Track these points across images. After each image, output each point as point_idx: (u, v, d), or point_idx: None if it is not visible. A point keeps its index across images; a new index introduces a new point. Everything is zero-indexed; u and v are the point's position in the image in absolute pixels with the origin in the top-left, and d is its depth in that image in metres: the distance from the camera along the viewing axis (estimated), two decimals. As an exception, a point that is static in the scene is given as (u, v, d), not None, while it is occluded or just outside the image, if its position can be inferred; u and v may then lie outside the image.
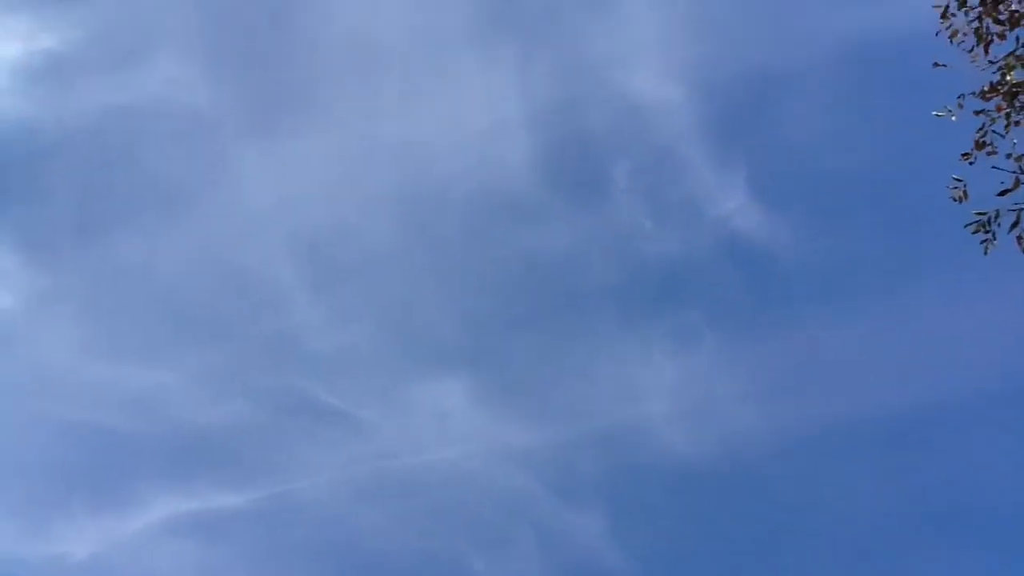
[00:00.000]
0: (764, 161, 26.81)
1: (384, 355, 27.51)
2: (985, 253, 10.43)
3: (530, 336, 27.93)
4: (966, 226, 10.47)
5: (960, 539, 24.34)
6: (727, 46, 26.42)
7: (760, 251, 26.76)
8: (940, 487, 24.43)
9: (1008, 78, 10.50)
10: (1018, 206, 10.29)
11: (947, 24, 10.81)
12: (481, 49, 27.33)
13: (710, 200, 26.79)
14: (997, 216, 10.34)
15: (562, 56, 27.09)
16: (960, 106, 10.70)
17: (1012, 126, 10.44)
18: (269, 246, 27.56)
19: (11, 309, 26.36)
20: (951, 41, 10.81)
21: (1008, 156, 10.45)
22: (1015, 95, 10.43)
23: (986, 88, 10.59)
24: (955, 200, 10.55)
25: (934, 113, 10.88)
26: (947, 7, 10.72)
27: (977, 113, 10.64)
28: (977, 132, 10.62)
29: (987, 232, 10.35)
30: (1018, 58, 10.51)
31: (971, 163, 10.60)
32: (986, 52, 10.69)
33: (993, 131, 10.51)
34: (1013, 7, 10.53)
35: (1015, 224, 10.23)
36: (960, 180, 10.60)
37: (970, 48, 10.75)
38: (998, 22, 10.56)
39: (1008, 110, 10.43)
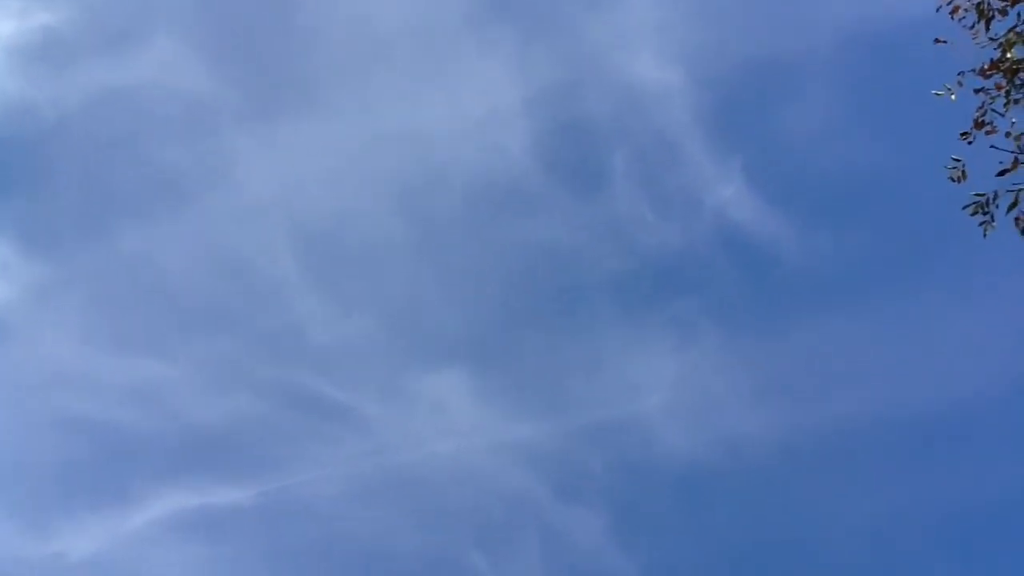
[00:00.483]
0: (766, 151, 26.51)
1: (385, 348, 27.33)
2: (984, 235, 10.12)
3: (530, 328, 27.69)
4: (964, 208, 10.18)
5: (968, 543, 23.96)
6: (728, 33, 26.12)
7: (761, 243, 26.44)
8: (946, 490, 24.02)
9: (1009, 55, 10.19)
10: (1016, 186, 9.97)
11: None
12: (480, 36, 27.10)
13: (710, 190, 26.49)
14: (996, 197, 10.03)
15: (561, 43, 26.84)
16: (960, 84, 10.40)
17: (1012, 104, 10.13)
18: (270, 237, 27.42)
19: (11, 300, 26.26)
20: (952, 17, 10.51)
21: (1007, 135, 10.14)
22: (1015, 72, 10.10)
23: (986, 66, 10.28)
24: (953, 180, 10.24)
25: (933, 92, 10.58)
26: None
27: (977, 91, 10.34)
28: (976, 111, 10.32)
29: (985, 214, 10.05)
30: (1019, 34, 10.19)
31: (970, 143, 10.30)
32: (987, 28, 10.38)
33: (992, 110, 10.21)
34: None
35: (1013, 205, 9.91)
36: (959, 160, 10.29)
37: (971, 24, 10.45)
38: (1000, -3, 10.26)
39: (1008, 88, 10.11)
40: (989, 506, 23.61)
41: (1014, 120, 10.14)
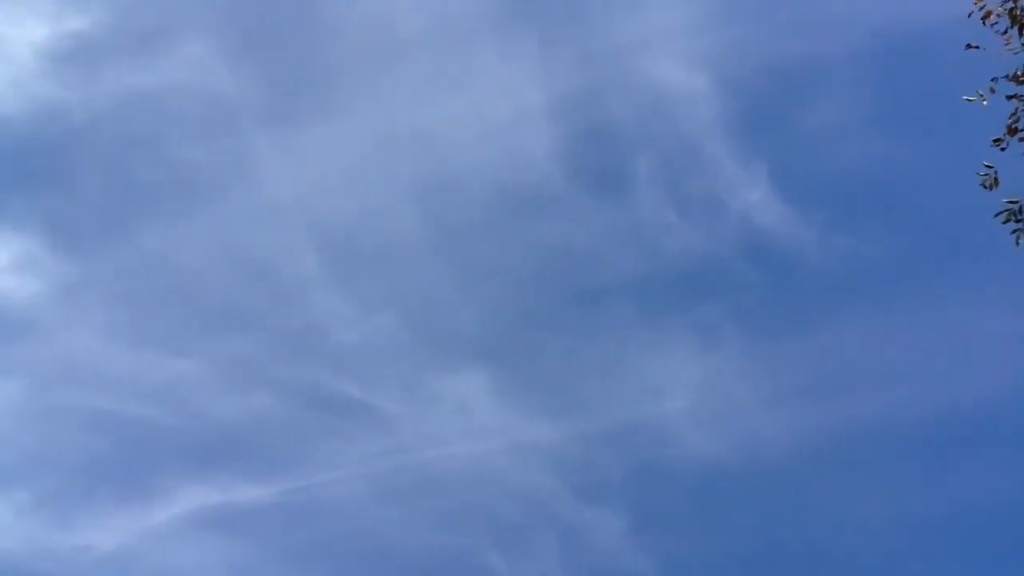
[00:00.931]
0: (790, 154, 26.43)
1: (405, 348, 27.41)
2: (1017, 243, 10.03)
3: (551, 330, 27.71)
4: (996, 215, 10.08)
5: (988, 546, 23.78)
6: (753, 36, 26.05)
7: (785, 246, 26.37)
8: (965, 492, 23.86)
9: (1042, 61, 10.10)
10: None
11: (981, 4, 10.43)
12: (502, 38, 27.13)
13: (734, 194, 26.43)
14: (1029, 205, 9.94)
15: (584, 45, 26.84)
16: (992, 91, 10.30)
17: (1046, 110, 10.04)
18: (292, 236, 27.56)
19: (38, 295, 26.49)
20: (984, 22, 10.41)
21: (1041, 142, 10.05)
22: (1049, 79, 10.01)
23: (1019, 72, 10.19)
24: (985, 187, 10.14)
25: (965, 98, 10.48)
26: (981, -14, 10.34)
27: (1009, 98, 10.24)
28: (1010, 117, 10.22)
29: (1018, 221, 9.96)
30: (1052, 40, 10.09)
31: (1003, 149, 10.20)
32: (1020, 34, 10.28)
33: (1026, 116, 10.11)
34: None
35: (1046, 212, 9.83)
36: (991, 166, 10.21)
37: (1004, 30, 10.36)
38: (1033, 1, 10.17)
39: (1042, 94, 10.03)
40: (1009, 508, 23.45)
41: (1048, 126, 10.05)
